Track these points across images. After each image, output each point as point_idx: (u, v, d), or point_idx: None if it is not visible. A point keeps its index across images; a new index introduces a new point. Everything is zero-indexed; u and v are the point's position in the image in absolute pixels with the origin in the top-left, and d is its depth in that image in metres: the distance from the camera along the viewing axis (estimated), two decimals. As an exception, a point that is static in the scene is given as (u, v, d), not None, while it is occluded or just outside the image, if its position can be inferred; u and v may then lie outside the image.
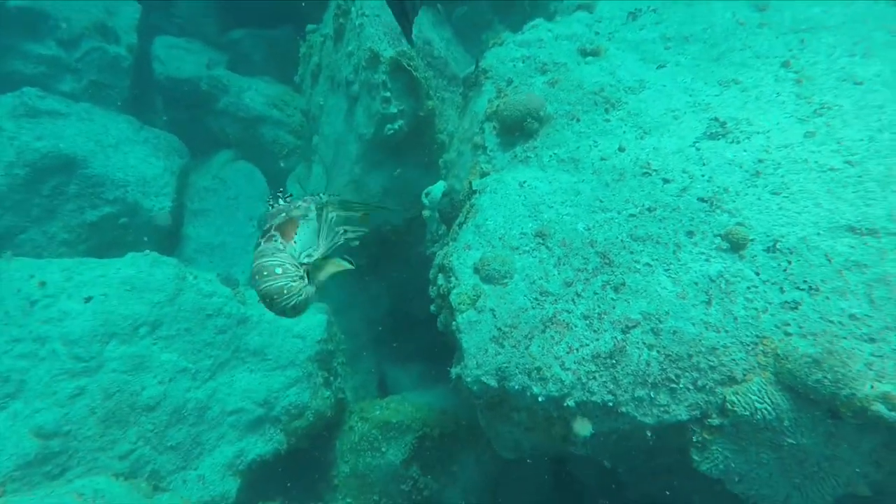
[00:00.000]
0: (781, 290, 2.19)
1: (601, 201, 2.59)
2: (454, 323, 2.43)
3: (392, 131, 4.16)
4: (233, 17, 6.59)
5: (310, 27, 5.34)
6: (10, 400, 2.73)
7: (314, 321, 3.47)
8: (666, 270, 2.35)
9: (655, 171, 2.61)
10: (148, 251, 3.28)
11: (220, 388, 3.09)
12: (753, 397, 2.10)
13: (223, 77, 5.96)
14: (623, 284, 2.35)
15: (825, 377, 1.97)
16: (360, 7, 4.54)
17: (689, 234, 2.42)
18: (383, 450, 3.58)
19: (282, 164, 5.62)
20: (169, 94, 6.00)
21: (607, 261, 2.43)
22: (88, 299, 2.99)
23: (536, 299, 2.40)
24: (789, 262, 2.25)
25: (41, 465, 2.67)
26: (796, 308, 2.15)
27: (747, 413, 2.08)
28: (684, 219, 2.45)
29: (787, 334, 2.11)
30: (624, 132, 2.82)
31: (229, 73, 6.06)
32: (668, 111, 2.84)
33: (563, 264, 2.47)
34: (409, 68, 4.13)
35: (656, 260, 2.38)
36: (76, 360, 2.86)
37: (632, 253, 2.42)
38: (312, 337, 3.40)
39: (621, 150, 2.73)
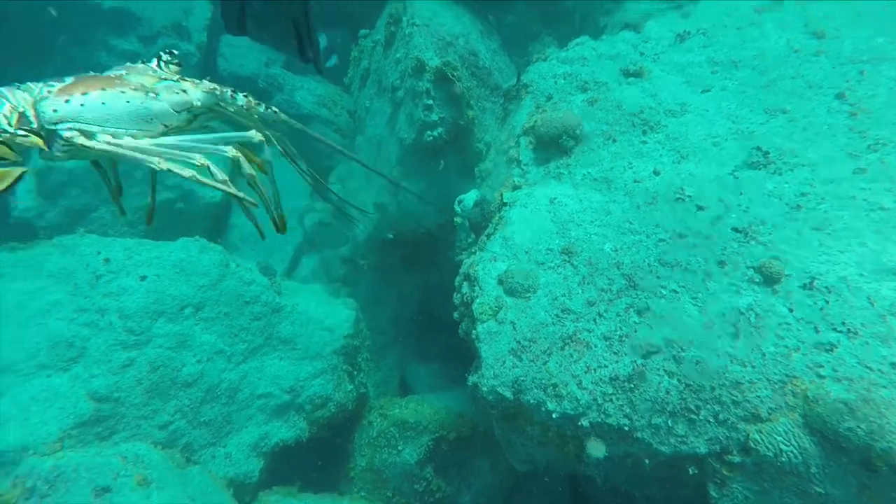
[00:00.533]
0: (816, 330, 2.12)
1: (631, 223, 2.58)
2: (474, 332, 2.49)
3: (431, 138, 4.28)
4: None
5: (362, 32, 5.55)
6: (73, 363, 3.00)
7: (342, 316, 3.63)
8: (693, 298, 2.32)
9: (689, 197, 2.57)
10: (197, 237, 3.54)
11: (251, 372, 3.27)
12: (779, 438, 2.04)
13: (279, 76, 6.29)
14: (647, 309, 2.33)
15: (858, 426, 1.89)
16: (411, 16, 4.69)
17: (720, 263, 2.37)
18: (399, 448, 3.67)
19: (326, 162, 5.86)
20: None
21: (632, 283, 2.42)
22: (143, 278, 3.25)
23: (558, 316, 2.43)
24: (827, 302, 2.16)
25: (93, 426, 2.91)
26: (832, 350, 2.07)
27: (771, 454, 2.02)
28: (716, 248, 2.41)
29: (820, 377, 2.04)
30: (660, 155, 2.80)
31: (284, 72, 6.39)
32: (708, 137, 2.79)
33: (588, 283, 2.48)
34: (453, 78, 4.24)
35: (683, 287, 2.35)
36: (129, 332, 3.11)
37: (658, 278, 2.40)
38: (340, 331, 3.55)
39: (656, 173, 2.71)
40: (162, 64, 1.28)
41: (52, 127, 1.11)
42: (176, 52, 1.31)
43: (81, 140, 1.12)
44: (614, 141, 2.92)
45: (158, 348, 3.12)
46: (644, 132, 2.90)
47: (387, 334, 4.82)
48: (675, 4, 4.05)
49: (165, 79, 1.23)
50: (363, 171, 5.14)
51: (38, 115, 1.10)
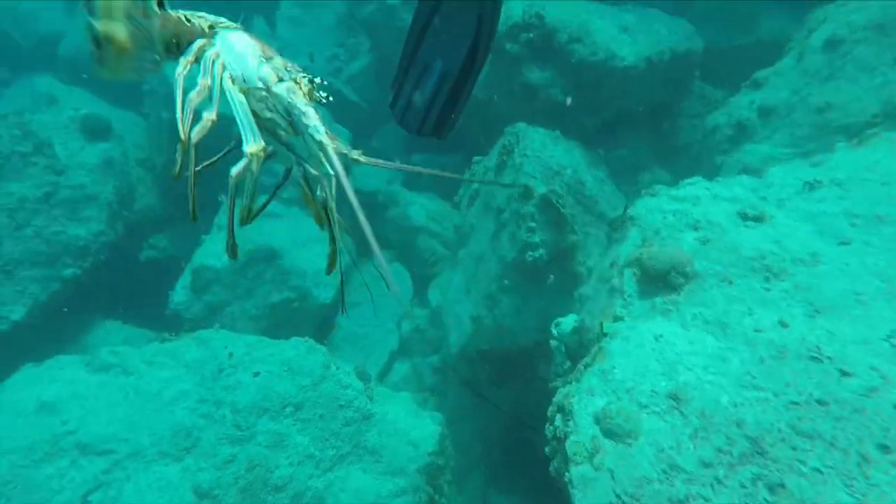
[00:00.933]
0: None
1: (753, 377, 2.30)
2: (567, 474, 2.28)
3: (532, 259, 4.44)
4: (417, 144, 8.16)
5: (476, 158, 6.27)
6: (187, 453, 3.06)
7: (429, 431, 3.43)
8: (847, 486, 1.90)
9: (829, 358, 2.25)
10: (308, 338, 3.71)
11: (335, 482, 3.12)
12: None
13: (397, 192, 7.20)
14: (782, 486, 1.96)
15: None
16: (523, 148, 5.24)
17: (883, 448, 1.95)
18: None
19: (429, 271, 6.29)
20: (355, 204, 7.48)
21: (759, 449, 2.07)
22: (256, 374, 3.37)
23: (665, 472, 2.13)
24: None
25: (189, 523, 2.87)
26: None
27: None
28: (874, 426, 2.01)
29: None
30: (789, 305, 2.54)
31: (402, 189, 7.32)
32: (850, 293, 2.50)
33: (701, 438, 2.18)
34: (558, 205, 4.50)
35: (830, 468, 1.96)
36: (236, 427, 3.16)
37: (794, 449, 2.04)
38: (425, 447, 3.37)
39: (783, 325, 2.45)
40: (308, 79, 1.22)
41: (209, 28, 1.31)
42: (326, 82, 1.27)
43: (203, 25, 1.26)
44: (731, 283, 2.76)
45: (258, 446, 3.11)
46: (767, 278, 2.70)
47: (471, 453, 4.53)
48: (802, 152, 3.95)
49: (289, 70, 1.22)
50: (463, 282, 5.40)
51: (210, 24, 1.31)
